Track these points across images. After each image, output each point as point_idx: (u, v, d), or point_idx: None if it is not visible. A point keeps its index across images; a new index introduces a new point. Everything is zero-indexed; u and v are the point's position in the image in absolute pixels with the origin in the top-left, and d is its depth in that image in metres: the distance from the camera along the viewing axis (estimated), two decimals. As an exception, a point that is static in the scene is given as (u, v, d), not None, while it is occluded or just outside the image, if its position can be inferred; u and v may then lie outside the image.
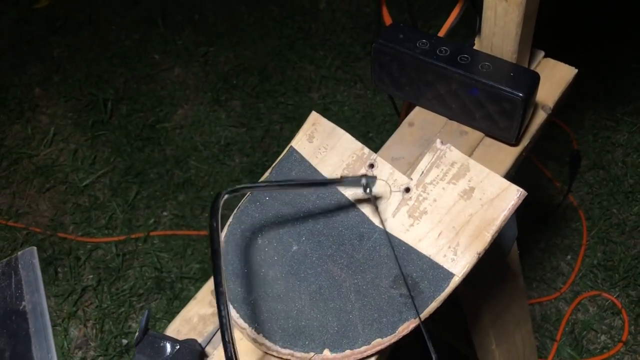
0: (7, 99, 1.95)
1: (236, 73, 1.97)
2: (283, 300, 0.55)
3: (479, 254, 0.52)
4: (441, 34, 0.70)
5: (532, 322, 1.33)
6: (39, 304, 0.54)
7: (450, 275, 0.52)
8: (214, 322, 0.58)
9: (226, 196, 0.45)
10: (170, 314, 1.44)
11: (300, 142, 0.62)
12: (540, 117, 0.67)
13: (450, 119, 0.68)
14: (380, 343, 0.51)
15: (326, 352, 0.52)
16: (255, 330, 0.54)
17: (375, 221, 0.56)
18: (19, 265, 0.56)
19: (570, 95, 0.72)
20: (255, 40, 2.05)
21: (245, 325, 0.54)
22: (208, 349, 0.56)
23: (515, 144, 0.64)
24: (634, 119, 1.69)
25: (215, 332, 0.57)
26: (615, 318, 1.37)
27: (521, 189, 0.53)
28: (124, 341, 1.42)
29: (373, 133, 1.77)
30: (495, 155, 0.65)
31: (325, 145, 0.61)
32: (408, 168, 0.64)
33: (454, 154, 0.56)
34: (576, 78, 0.70)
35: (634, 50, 1.82)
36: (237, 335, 0.55)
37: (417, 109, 0.70)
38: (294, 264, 0.56)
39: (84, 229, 1.62)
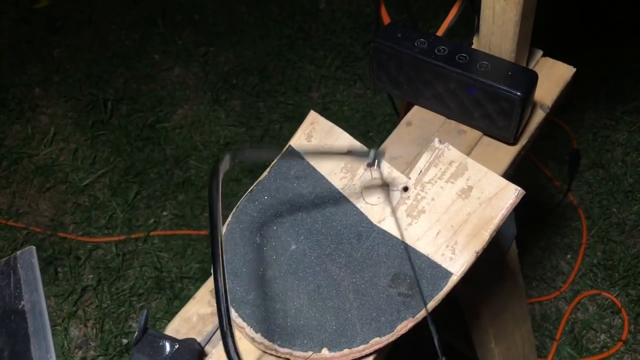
0: (7, 99, 1.95)
1: (236, 73, 1.97)
2: (281, 299, 0.55)
3: (477, 252, 0.52)
4: (440, 33, 0.70)
5: (532, 321, 1.33)
6: (38, 303, 0.55)
7: (448, 274, 0.52)
8: (213, 322, 0.58)
9: (228, 161, 0.40)
10: (170, 314, 1.44)
11: (299, 141, 0.62)
12: (539, 116, 0.67)
13: (449, 118, 0.68)
14: (379, 342, 0.51)
15: (324, 351, 0.52)
16: (253, 330, 0.54)
17: (379, 213, 0.56)
18: (18, 265, 0.56)
19: (570, 95, 0.72)
20: (255, 40, 2.05)
21: (244, 325, 0.54)
22: (207, 348, 0.56)
23: (513, 143, 0.64)
24: (634, 118, 1.69)
25: (215, 332, 0.57)
26: (615, 317, 1.37)
27: (519, 188, 0.53)
28: (124, 341, 1.42)
29: (373, 132, 1.77)
30: (493, 154, 0.65)
31: (323, 145, 0.61)
32: (406, 167, 0.64)
33: (452, 153, 0.56)
34: (576, 78, 0.70)
35: (634, 51, 1.82)
36: (236, 334, 0.55)
37: (415, 108, 0.70)
38: (293, 263, 0.56)
39: (84, 229, 1.62)
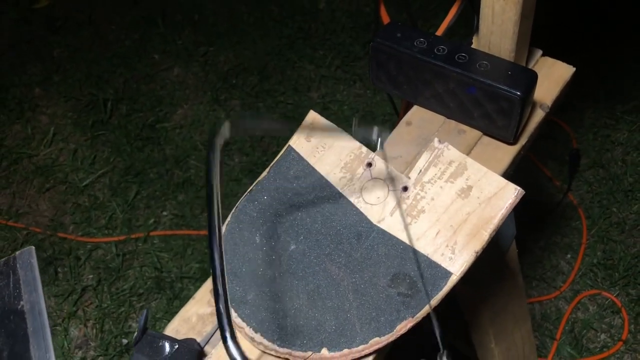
0: (7, 99, 1.95)
1: (236, 73, 1.97)
2: (281, 299, 0.55)
3: (477, 252, 0.52)
4: (439, 32, 0.70)
5: (532, 321, 1.33)
6: (37, 303, 0.54)
7: (448, 274, 0.52)
8: (213, 322, 0.58)
9: (228, 128, 0.37)
10: (170, 314, 1.44)
11: (298, 141, 0.62)
12: (539, 115, 0.67)
13: (448, 118, 0.68)
14: (378, 342, 0.51)
15: (324, 351, 0.52)
16: (253, 330, 0.54)
17: (379, 212, 0.56)
18: (17, 265, 0.56)
19: (570, 95, 0.72)
20: (255, 40, 2.05)
21: (244, 325, 0.54)
22: (207, 349, 0.56)
23: (513, 142, 0.64)
24: (634, 117, 1.69)
25: (214, 332, 0.57)
26: (615, 317, 1.37)
27: (519, 188, 0.53)
28: (124, 341, 1.42)
29: (373, 132, 1.76)
30: (493, 154, 0.65)
31: (323, 144, 0.61)
32: (406, 167, 0.64)
33: (451, 152, 0.56)
34: (576, 78, 0.70)
35: (633, 50, 1.82)
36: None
37: (414, 108, 0.70)
38: (292, 263, 0.56)
39: (84, 229, 1.62)
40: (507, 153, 0.65)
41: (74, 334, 1.44)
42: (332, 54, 1.98)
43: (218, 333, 0.56)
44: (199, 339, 0.56)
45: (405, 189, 0.56)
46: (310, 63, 1.97)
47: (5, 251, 1.60)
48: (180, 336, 0.56)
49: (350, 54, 1.98)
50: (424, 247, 0.53)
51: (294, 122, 0.59)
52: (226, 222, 0.60)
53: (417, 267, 0.53)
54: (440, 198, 0.55)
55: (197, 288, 0.61)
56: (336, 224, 0.57)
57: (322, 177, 0.60)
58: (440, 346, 0.46)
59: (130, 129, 1.83)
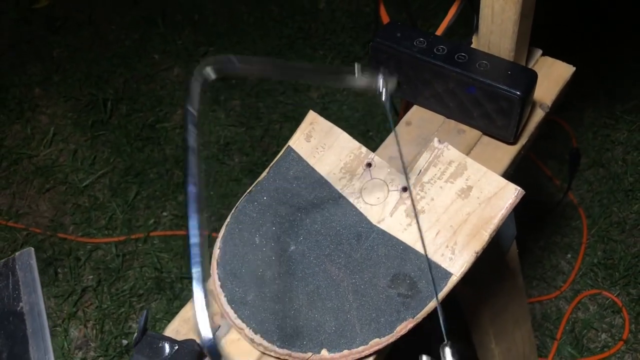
0: (7, 99, 1.95)
1: (236, 73, 1.96)
2: (281, 300, 0.55)
3: (477, 253, 0.52)
4: (439, 32, 0.70)
5: (533, 320, 1.33)
6: (37, 304, 0.54)
7: (448, 274, 0.51)
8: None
9: (211, 72, 0.34)
10: (171, 314, 1.44)
11: (298, 142, 0.62)
12: (538, 115, 0.67)
13: (448, 118, 0.68)
14: (378, 343, 0.51)
15: (324, 352, 0.52)
16: (252, 331, 0.54)
17: (379, 213, 0.56)
18: (17, 266, 0.56)
19: (570, 95, 0.72)
20: (255, 40, 2.05)
21: (243, 326, 0.54)
22: (206, 349, 0.56)
23: (513, 142, 0.64)
24: (634, 117, 1.69)
25: (215, 332, 0.57)
26: (615, 316, 1.37)
27: (519, 188, 0.53)
28: (124, 342, 1.42)
29: (373, 132, 1.76)
30: (493, 153, 0.65)
31: (322, 145, 0.61)
32: (406, 167, 0.64)
33: (451, 152, 0.56)
34: (576, 77, 0.70)
35: (633, 50, 1.82)
36: (235, 335, 0.55)
37: (414, 107, 0.70)
38: (292, 264, 0.56)
39: (84, 230, 1.62)
40: (507, 153, 0.65)
41: (74, 335, 1.44)
42: (332, 54, 1.98)
43: (219, 334, 0.56)
44: (199, 340, 0.55)
45: (405, 189, 0.56)
46: (310, 63, 1.97)
47: (5, 252, 1.59)
48: (180, 337, 0.56)
49: (350, 54, 1.98)
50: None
51: (287, 64, 0.53)
52: (226, 223, 0.60)
53: (417, 268, 0.53)
54: (440, 198, 0.55)
55: (197, 289, 0.60)
56: (336, 225, 0.57)
57: (321, 177, 0.60)
58: (445, 337, 0.46)
59: (130, 129, 1.83)
